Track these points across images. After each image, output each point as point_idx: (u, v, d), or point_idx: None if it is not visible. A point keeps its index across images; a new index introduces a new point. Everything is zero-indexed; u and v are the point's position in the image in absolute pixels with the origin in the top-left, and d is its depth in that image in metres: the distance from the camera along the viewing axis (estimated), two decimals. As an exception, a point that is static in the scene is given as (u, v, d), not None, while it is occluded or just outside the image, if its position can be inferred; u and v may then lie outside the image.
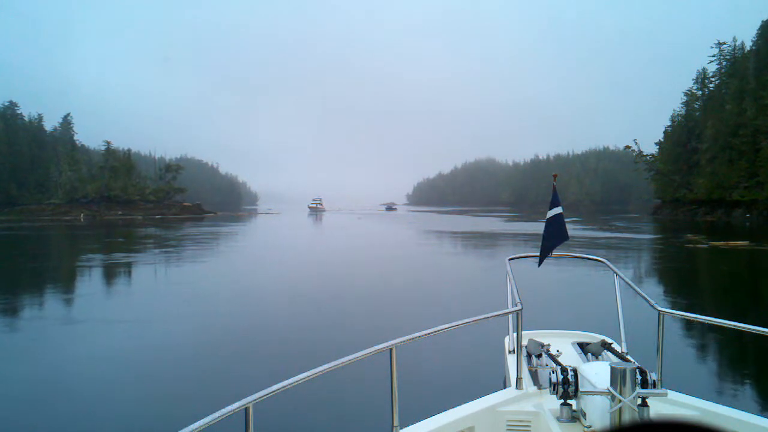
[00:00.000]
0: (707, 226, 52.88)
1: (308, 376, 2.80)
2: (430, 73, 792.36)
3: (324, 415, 6.96)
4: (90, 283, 19.93)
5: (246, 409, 2.48)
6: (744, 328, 3.71)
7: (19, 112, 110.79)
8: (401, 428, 3.26)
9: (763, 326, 3.57)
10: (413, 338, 3.37)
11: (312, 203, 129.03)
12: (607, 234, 42.51)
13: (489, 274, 19.34)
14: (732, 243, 31.25)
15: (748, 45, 74.55)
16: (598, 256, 6.11)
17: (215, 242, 38.86)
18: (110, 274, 22.09)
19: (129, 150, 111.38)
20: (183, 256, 28.69)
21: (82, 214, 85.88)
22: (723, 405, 3.69)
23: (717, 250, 28.95)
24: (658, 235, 43.54)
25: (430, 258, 27.06)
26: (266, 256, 28.94)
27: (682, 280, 20.28)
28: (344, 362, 2.98)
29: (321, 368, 2.87)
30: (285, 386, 2.68)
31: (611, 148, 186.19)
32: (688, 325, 11.45)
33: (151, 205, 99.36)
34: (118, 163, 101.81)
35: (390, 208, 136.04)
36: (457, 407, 3.65)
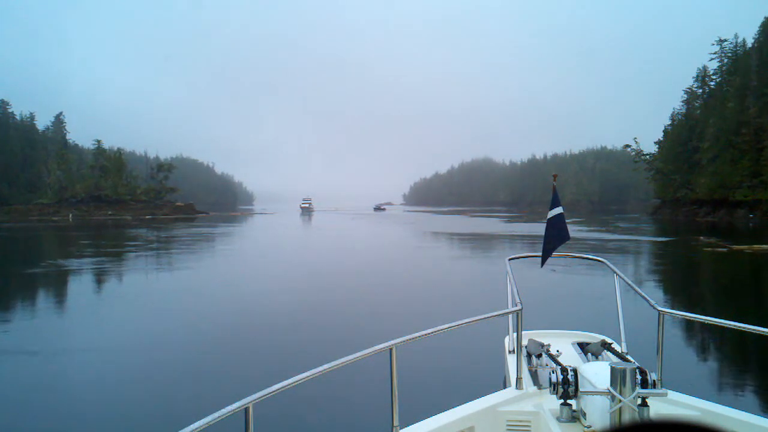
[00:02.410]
0: (710, 227, 51.52)
1: (308, 376, 2.80)
2: (427, 72, 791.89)
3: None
4: (30, 296, 17.19)
5: (246, 409, 2.47)
6: (744, 328, 3.69)
7: (10, 110, 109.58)
8: (401, 428, 3.26)
9: (764, 326, 3.55)
10: (413, 338, 3.37)
11: (303, 203, 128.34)
12: (615, 236, 40.73)
13: (500, 281, 17.67)
14: (756, 247, 29.24)
15: (749, 42, 73.42)
16: (598, 256, 6.06)
17: (201, 245, 37.26)
18: (65, 283, 19.58)
19: (120, 149, 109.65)
20: (160, 262, 26.94)
21: (70, 214, 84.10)
22: (723, 405, 3.65)
23: (743, 254, 27.05)
24: (668, 238, 41.29)
25: (431, 263, 25.38)
26: (252, 263, 27.21)
27: (735, 295, 17.47)
28: (344, 362, 2.98)
29: (321, 368, 2.87)
30: (285, 386, 2.68)
31: (609, 147, 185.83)
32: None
33: (142, 205, 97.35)
34: (109, 163, 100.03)
35: (379, 208, 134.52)
36: (457, 407, 3.63)
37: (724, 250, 29.06)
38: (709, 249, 29.65)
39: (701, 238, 37.34)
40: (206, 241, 40.19)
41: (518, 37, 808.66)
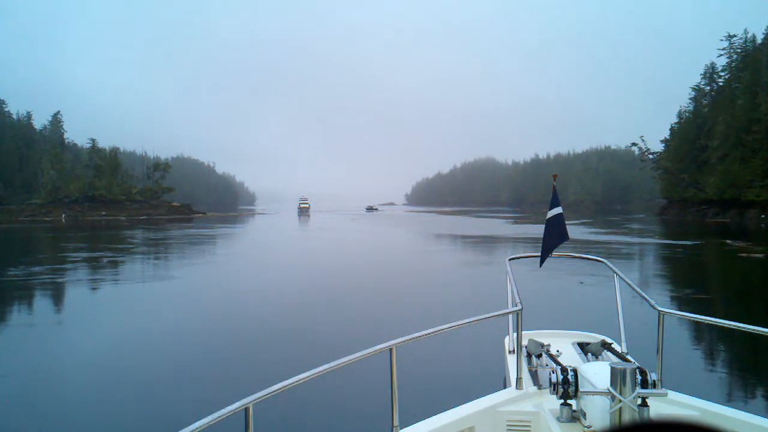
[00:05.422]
0: (722, 229, 49.60)
1: (308, 376, 2.80)
2: (429, 73, 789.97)
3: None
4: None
5: (246, 409, 2.48)
6: (744, 328, 3.71)
7: (7, 109, 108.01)
8: (401, 428, 3.27)
9: (764, 326, 3.59)
10: (413, 338, 3.37)
11: (303, 204, 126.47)
12: (635, 239, 38.30)
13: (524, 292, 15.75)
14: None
15: (759, 37, 71.42)
16: (598, 256, 5.97)
17: (190, 249, 35.38)
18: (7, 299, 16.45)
19: (116, 148, 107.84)
20: (136, 270, 24.57)
21: (63, 215, 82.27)
22: (723, 405, 3.65)
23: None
24: (693, 242, 37.45)
25: (438, 269, 23.41)
26: (242, 270, 25.15)
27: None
28: (344, 362, 2.98)
29: (321, 368, 2.87)
30: (285, 386, 2.69)
31: (612, 147, 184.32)
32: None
33: (138, 205, 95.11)
34: (103, 162, 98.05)
35: (371, 208, 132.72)
36: (457, 407, 3.64)
37: (761, 256, 26.62)
38: (745, 254, 27.19)
39: (728, 241, 35.02)
40: (197, 244, 38.25)
41: (521, 37, 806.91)
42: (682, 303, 14.60)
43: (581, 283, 17.35)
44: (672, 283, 19.02)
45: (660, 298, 15.02)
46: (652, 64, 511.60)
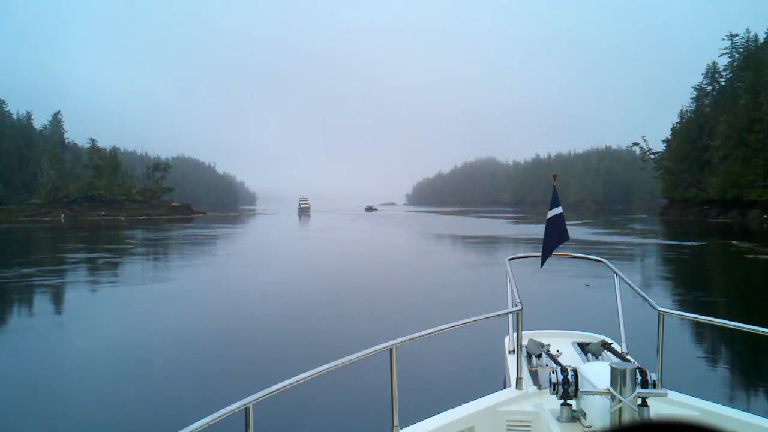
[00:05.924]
0: (724, 229, 49.45)
1: (308, 376, 2.80)
2: (430, 73, 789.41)
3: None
4: None
5: (246, 409, 2.49)
6: (744, 328, 3.71)
7: (7, 109, 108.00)
8: (401, 428, 3.27)
9: (764, 326, 3.58)
10: (413, 338, 3.37)
11: (303, 204, 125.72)
12: (638, 240, 37.93)
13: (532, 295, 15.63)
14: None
15: (761, 37, 71.28)
16: (598, 256, 5.96)
17: (192, 248, 35.31)
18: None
19: (116, 148, 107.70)
20: (140, 270, 24.81)
21: (63, 215, 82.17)
22: (723, 405, 3.64)
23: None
24: (697, 243, 36.71)
25: (442, 270, 23.39)
26: (241, 272, 25.12)
27: None
28: (344, 362, 2.99)
29: (321, 368, 2.88)
30: (285, 386, 2.69)
31: (613, 147, 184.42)
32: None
33: (137, 205, 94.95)
34: (103, 162, 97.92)
35: (370, 208, 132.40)
36: (457, 407, 3.64)
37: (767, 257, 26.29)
38: (751, 255, 26.83)
39: (734, 242, 34.73)
40: (197, 244, 38.17)
41: (523, 37, 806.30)
42: (688, 306, 14.41)
43: (587, 285, 17.11)
44: (679, 286, 18.83)
45: (667, 301, 14.89)
46: (653, 64, 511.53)
